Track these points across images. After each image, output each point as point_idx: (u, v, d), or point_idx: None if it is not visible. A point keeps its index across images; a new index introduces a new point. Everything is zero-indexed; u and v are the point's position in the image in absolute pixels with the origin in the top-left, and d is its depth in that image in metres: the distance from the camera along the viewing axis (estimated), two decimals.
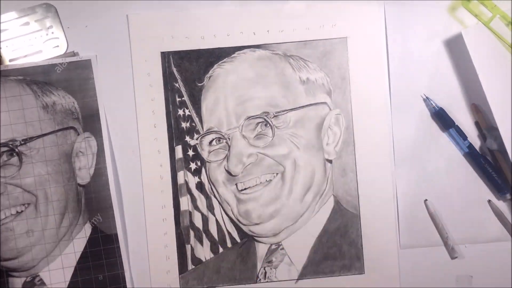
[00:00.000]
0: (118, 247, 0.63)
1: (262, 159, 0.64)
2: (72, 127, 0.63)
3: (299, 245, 0.66)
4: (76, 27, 0.64)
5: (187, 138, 0.65)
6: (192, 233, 0.65)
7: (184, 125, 0.65)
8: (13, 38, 0.63)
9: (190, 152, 0.65)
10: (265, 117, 0.64)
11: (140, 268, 0.65)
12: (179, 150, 0.65)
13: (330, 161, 0.66)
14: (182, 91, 0.65)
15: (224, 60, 0.65)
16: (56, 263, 0.63)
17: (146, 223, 0.65)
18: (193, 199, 0.65)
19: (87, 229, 0.63)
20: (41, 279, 0.63)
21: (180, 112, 0.65)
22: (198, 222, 0.65)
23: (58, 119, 0.63)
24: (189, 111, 0.65)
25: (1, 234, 0.62)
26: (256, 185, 0.65)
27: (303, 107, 0.65)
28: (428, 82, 0.66)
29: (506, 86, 0.63)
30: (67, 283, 0.63)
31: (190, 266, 0.65)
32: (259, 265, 0.65)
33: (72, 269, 0.63)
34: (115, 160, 0.64)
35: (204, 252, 0.65)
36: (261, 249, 0.66)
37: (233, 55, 0.65)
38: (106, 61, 0.64)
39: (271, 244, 0.66)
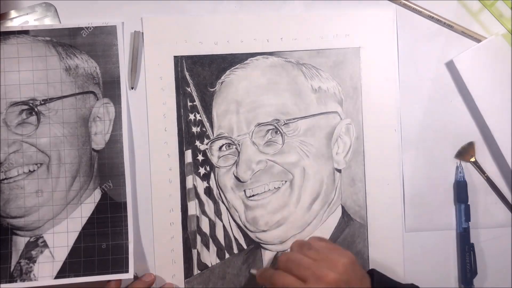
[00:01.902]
0: (126, 216, 0.63)
1: (271, 166, 0.64)
2: (92, 92, 0.63)
3: None
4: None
5: (197, 143, 0.65)
6: (199, 238, 0.65)
7: (195, 129, 0.65)
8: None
9: (200, 157, 0.65)
10: (276, 124, 0.64)
11: (146, 272, 0.64)
12: (188, 154, 0.65)
13: (339, 171, 0.65)
14: (194, 96, 0.65)
15: (237, 66, 0.65)
16: (62, 226, 0.63)
17: (154, 226, 0.65)
18: (201, 204, 0.65)
19: (96, 195, 0.63)
20: (44, 241, 0.63)
21: (191, 116, 0.65)
22: (205, 227, 0.65)
23: (79, 82, 0.63)
24: (200, 116, 0.65)
25: (11, 191, 0.62)
26: (264, 192, 0.65)
27: (314, 115, 0.65)
28: (440, 93, 0.66)
29: (505, 108, 0.63)
30: (69, 248, 0.63)
31: (196, 271, 0.65)
32: None
33: (77, 234, 0.63)
34: (132, 129, 0.64)
35: (210, 257, 0.65)
36: (267, 256, 0.65)
37: (245, 62, 0.65)
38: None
39: (278, 252, 0.66)
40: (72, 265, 0.62)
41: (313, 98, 0.65)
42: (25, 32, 0.63)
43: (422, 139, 0.66)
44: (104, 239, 0.63)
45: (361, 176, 0.65)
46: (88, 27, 0.63)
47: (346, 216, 0.66)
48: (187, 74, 0.65)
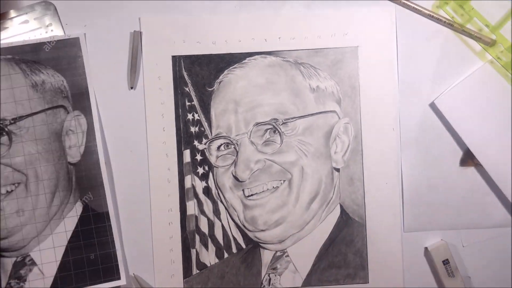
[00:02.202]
0: (110, 226, 0.63)
1: (269, 165, 0.64)
2: (61, 106, 0.63)
3: (304, 253, 0.66)
4: (76, 25, 0.64)
5: (196, 143, 0.65)
6: (197, 238, 0.65)
7: (193, 129, 0.65)
8: (12, 36, 0.63)
9: (198, 157, 0.65)
10: (274, 124, 0.64)
11: (145, 272, 0.65)
12: (187, 154, 0.65)
13: (338, 170, 0.66)
14: (192, 96, 0.65)
15: (235, 65, 0.65)
16: (47, 242, 0.63)
17: (152, 226, 0.65)
18: (200, 204, 0.65)
19: (78, 208, 0.63)
20: (31, 259, 0.62)
21: (190, 116, 0.65)
22: (204, 226, 0.65)
23: (47, 97, 0.63)
24: (198, 116, 0.65)
25: None
26: (263, 191, 0.65)
27: (312, 115, 0.65)
28: (439, 92, 0.66)
29: (493, 140, 0.64)
30: (58, 262, 0.63)
31: (195, 271, 0.65)
32: (263, 271, 0.65)
33: (63, 249, 0.63)
34: (105, 138, 0.64)
35: (209, 257, 0.65)
36: (266, 256, 0.66)
37: (244, 61, 0.65)
38: (96, 40, 0.64)
39: (276, 251, 0.66)
40: (64, 279, 0.62)
41: (311, 98, 0.65)
42: None
43: (422, 139, 0.66)
44: (91, 250, 0.63)
45: (359, 175, 0.66)
46: (51, 41, 0.63)
47: (344, 215, 0.66)
48: (185, 73, 0.65)
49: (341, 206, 0.66)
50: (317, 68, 0.65)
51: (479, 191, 0.66)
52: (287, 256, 0.66)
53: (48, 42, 0.63)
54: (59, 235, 0.63)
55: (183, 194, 0.65)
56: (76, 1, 0.64)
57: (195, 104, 0.65)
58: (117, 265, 0.63)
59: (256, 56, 0.65)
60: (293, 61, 0.65)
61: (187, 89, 0.65)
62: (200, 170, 0.65)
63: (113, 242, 0.63)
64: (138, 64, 0.64)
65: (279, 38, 0.65)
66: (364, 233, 0.66)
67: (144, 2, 0.64)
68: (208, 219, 0.65)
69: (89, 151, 0.63)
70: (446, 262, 0.64)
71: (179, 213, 0.65)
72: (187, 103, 0.65)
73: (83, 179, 0.63)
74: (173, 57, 0.65)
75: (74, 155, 0.63)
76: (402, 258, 0.66)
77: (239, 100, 0.65)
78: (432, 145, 0.66)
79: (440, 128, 0.66)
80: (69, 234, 0.63)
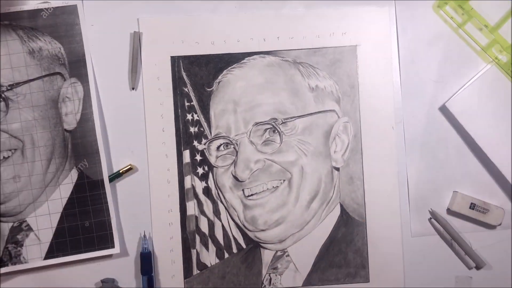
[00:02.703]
0: (104, 193, 0.63)
1: (269, 165, 0.64)
2: (58, 73, 0.63)
3: (305, 252, 0.66)
4: None
5: (195, 143, 0.65)
6: (198, 238, 0.65)
7: (192, 129, 0.65)
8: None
9: (198, 157, 0.65)
10: (273, 123, 0.64)
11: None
12: (186, 154, 0.65)
13: (338, 169, 0.66)
14: (191, 96, 0.65)
15: (234, 65, 0.65)
16: (43, 208, 0.63)
17: (153, 227, 0.65)
18: (200, 204, 0.65)
19: (73, 175, 0.63)
20: (28, 225, 0.63)
21: (189, 116, 0.65)
22: (204, 227, 0.65)
23: (44, 64, 0.63)
24: (197, 116, 0.65)
25: None
26: (263, 191, 0.65)
27: (311, 114, 0.65)
28: (442, 94, 0.66)
29: (505, 141, 0.64)
30: (54, 229, 0.63)
31: (195, 271, 0.65)
32: (264, 271, 0.65)
33: (59, 215, 0.63)
34: (102, 106, 0.64)
35: (209, 257, 0.65)
36: (267, 256, 0.66)
37: (242, 61, 0.65)
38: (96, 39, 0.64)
39: (277, 251, 0.66)
40: (59, 245, 0.63)
41: (311, 97, 0.65)
42: None
43: (426, 140, 0.66)
44: (86, 218, 0.63)
45: (359, 174, 0.66)
46: (48, 8, 0.63)
47: (344, 214, 0.66)
48: (184, 74, 0.65)
49: (341, 205, 0.66)
50: (316, 67, 0.66)
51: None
52: (288, 255, 0.66)
53: (45, 9, 0.63)
54: (54, 202, 0.63)
55: (183, 195, 0.65)
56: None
57: (194, 105, 0.65)
58: (111, 234, 0.63)
59: (255, 56, 0.65)
60: (292, 60, 0.65)
61: (186, 89, 0.65)
62: (200, 171, 0.65)
63: (107, 210, 0.63)
64: (139, 65, 0.64)
65: (278, 37, 0.65)
66: (365, 232, 0.66)
67: (142, 2, 0.64)
68: (208, 219, 0.65)
69: (85, 118, 0.63)
70: (473, 206, 0.65)
71: (179, 213, 0.65)
72: (186, 104, 0.65)
73: (79, 146, 0.63)
74: (172, 57, 0.65)
75: (70, 122, 0.63)
76: (402, 257, 0.66)
77: (238, 100, 0.65)
78: (438, 148, 0.66)
79: (447, 131, 0.66)
80: (64, 201, 0.63)
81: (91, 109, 0.63)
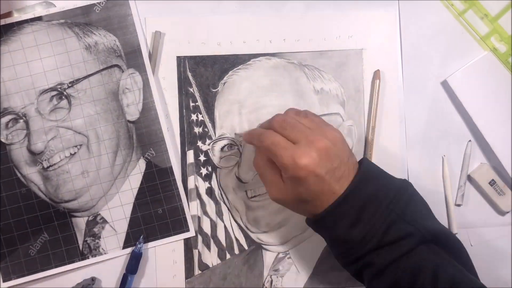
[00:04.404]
0: (174, 180, 0.64)
1: None
2: (116, 65, 0.64)
3: (307, 255, 0.66)
4: None
5: (199, 143, 0.65)
6: (200, 239, 0.65)
7: (197, 130, 0.65)
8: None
9: (202, 157, 0.65)
10: None
11: (146, 272, 0.65)
12: (190, 155, 0.65)
13: None
14: (196, 96, 0.65)
15: (239, 67, 0.65)
16: (115, 201, 0.64)
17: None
18: (203, 205, 0.65)
19: (141, 165, 0.64)
20: (102, 217, 0.64)
21: (194, 117, 0.65)
22: (206, 227, 0.65)
23: (101, 58, 0.63)
24: (202, 117, 0.65)
25: (59, 177, 0.63)
26: (266, 193, 0.65)
27: None
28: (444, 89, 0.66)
29: (501, 120, 0.64)
30: (128, 219, 0.64)
31: (197, 271, 0.65)
32: (265, 273, 0.65)
33: (131, 206, 0.64)
34: (163, 93, 0.65)
35: (211, 257, 0.65)
36: (269, 257, 0.66)
37: (248, 63, 0.65)
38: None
39: (279, 253, 0.66)
40: (135, 234, 0.64)
41: (316, 100, 0.65)
42: (38, 19, 0.63)
43: (427, 139, 0.66)
44: (158, 205, 0.64)
45: None
46: (100, 2, 0.63)
47: None
48: (189, 74, 0.65)
49: None
50: (322, 70, 0.66)
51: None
52: (290, 257, 0.66)
53: (97, 3, 0.63)
54: (125, 193, 0.64)
55: (186, 195, 0.65)
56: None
57: (199, 105, 0.65)
58: (185, 218, 0.64)
59: (261, 58, 0.65)
60: (297, 63, 0.65)
61: (191, 89, 0.65)
62: (204, 171, 0.65)
63: (178, 195, 0.64)
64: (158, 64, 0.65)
65: (284, 39, 0.65)
66: None
67: (148, 2, 0.64)
68: (211, 220, 0.65)
69: (147, 107, 0.64)
70: (493, 183, 0.65)
71: None
72: (191, 104, 0.65)
73: (144, 136, 0.64)
74: (178, 57, 0.65)
75: (132, 113, 0.64)
76: None
77: (243, 101, 0.65)
78: (438, 143, 0.66)
79: (446, 125, 0.66)
80: (135, 192, 0.64)
81: (152, 98, 0.64)
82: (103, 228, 0.64)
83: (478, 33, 0.65)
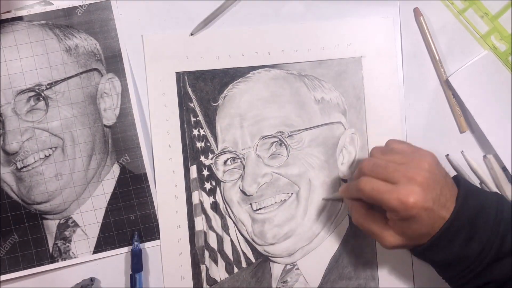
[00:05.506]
0: (148, 187, 0.64)
1: (277, 179, 0.64)
2: (95, 69, 0.64)
3: (314, 265, 0.65)
4: None
5: (202, 158, 0.65)
6: (207, 253, 0.65)
7: (199, 145, 0.65)
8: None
9: (205, 172, 0.65)
10: (280, 137, 0.64)
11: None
12: (194, 170, 0.65)
13: (345, 181, 0.65)
14: (197, 111, 0.65)
15: (239, 80, 0.65)
16: (87, 205, 0.64)
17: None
18: (208, 219, 0.65)
19: (115, 170, 0.64)
20: (74, 221, 0.64)
21: (195, 132, 0.65)
22: (213, 242, 0.65)
23: (81, 61, 0.64)
24: (204, 131, 0.65)
25: (32, 178, 0.63)
26: (271, 205, 0.65)
27: (318, 126, 0.65)
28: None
29: (501, 117, 0.64)
30: (100, 224, 0.64)
31: (205, 287, 0.65)
32: (274, 285, 0.65)
33: (103, 210, 0.64)
34: (140, 99, 0.64)
35: (219, 272, 0.65)
36: (276, 269, 0.65)
37: (248, 75, 0.65)
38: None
39: (286, 264, 0.65)
40: (106, 239, 0.64)
41: (317, 109, 0.65)
42: (19, 19, 0.63)
43: (428, 139, 0.66)
44: (131, 211, 0.64)
45: None
46: (83, 5, 0.63)
47: (353, 226, 0.65)
48: (189, 89, 0.65)
49: (349, 217, 0.65)
50: (321, 79, 0.65)
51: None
52: (297, 269, 0.65)
53: (80, 6, 0.63)
54: (98, 198, 0.64)
55: (191, 210, 0.65)
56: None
57: (201, 120, 0.65)
58: (157, 225, 0.64)
59: (260, 70, 0.65)
60: (297, 73, 0.65)
61: (192, 104, 0.65)
62: (208, 186, 0.65)
63: (152, 203, 0.64)
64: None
65: (282, 51, 0.65)
66: (374, 243, 0.65)
67: (146, 20, 0.64)
68: (217, 234, 0.65)
69: (124, 113, 0.64)
70: (505, 169, 0.64)
71: (187, 229, 0.65)
72: (192, 119, 0.65)
73: (119, 141, 0.64)
74: (177, 73, 0.65)
75: (109, 118, 0.64)
76: (412, 268, 0.65)
77: (244, 114, 0.64)
78: (439, 143, 0.66)
79: (447, 124, 0.66)
80: (108, 197, 0.64)
81: (130, 103, 0.64)
82: (74, 231, 0.64)
83: (478, 32, 0.65)
